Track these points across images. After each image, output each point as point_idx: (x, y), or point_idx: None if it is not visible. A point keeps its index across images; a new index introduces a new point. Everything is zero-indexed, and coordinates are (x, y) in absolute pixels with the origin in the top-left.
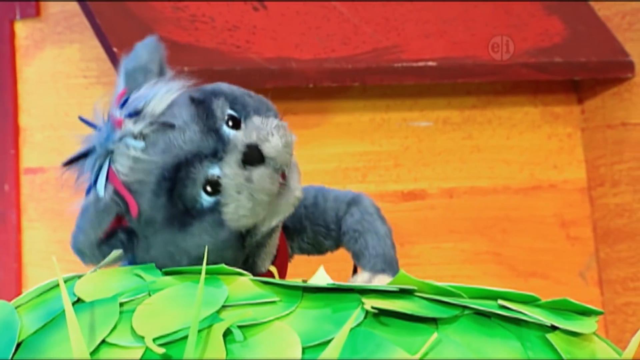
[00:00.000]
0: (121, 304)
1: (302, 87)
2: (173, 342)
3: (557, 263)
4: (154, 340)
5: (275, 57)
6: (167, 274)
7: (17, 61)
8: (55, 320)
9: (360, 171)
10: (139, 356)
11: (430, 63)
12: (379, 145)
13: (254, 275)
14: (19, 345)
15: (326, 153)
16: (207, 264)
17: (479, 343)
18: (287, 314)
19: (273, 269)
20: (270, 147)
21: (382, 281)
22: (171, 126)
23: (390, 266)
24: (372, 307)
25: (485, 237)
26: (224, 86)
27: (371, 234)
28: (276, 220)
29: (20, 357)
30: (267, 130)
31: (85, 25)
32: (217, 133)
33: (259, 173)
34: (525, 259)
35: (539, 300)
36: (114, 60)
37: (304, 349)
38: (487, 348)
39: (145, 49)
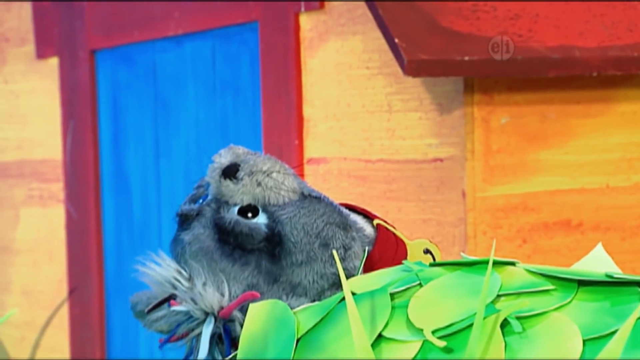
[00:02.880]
0: (393, 295)
1: (586, 76)
2: (452, 335)
3: None
4: (433, 332)
5: (558, 46)
6: (433, 265)
7: (301, 53)
8: (330, 315)
9: None
10: (417, 349)
11: None
12: None
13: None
14: (297, 342)
15: (610, 143)
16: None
17: None
18: (564, 305)
19: (380, 221)
20: (222, 157)
21: None
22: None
23: None
24: None
25: None
26: None
27: None
28: None
29: (301, 353)
30: (215, 161)
31: (367, 17)
32: (198, 212)
33: (246, 166)
34: None
35: None
36: (396, 51)
37: (584, 342)
38: None
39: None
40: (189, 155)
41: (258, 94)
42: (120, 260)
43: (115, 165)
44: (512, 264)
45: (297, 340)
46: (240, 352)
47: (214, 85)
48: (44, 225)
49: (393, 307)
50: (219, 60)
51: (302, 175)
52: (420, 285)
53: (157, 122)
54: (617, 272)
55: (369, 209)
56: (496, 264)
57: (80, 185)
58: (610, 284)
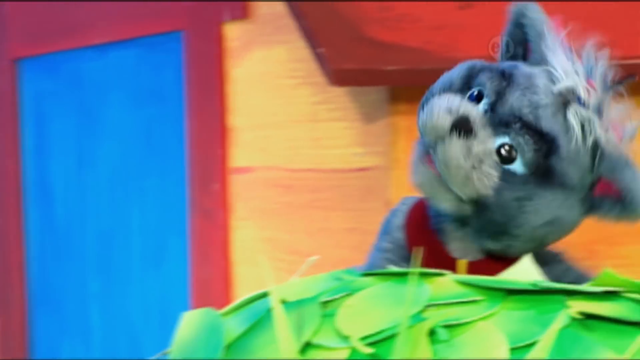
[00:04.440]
0: (323, 304)
1: None
2: (379, 342)
3: None
4: (360, 340)
5: (483, 56)
6: (364, 275)
7: (226, 62)
8: (260, 322)
9: None
10: (345, 356)
11: None
12: None
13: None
14: (226, 348)
15: None
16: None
17: None
18: (491, 314)
19: None
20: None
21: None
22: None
23: None
24: (578, 312)
25: None
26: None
27: None
28: None
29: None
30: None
31: (292, 26)
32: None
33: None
34: None
35: None
36: (321, 60)
37: (510, 350)
38: None
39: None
40: (113, 164)
41: (183, 103)
42: (43, 271)
43: (39, 175)
44: (442, 274)
45: (227, 347)
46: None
47: (139, 95)
48: None
49: (323, 315)
50: (144, 69)
51: (225, 184)
52: (351, 294)
53: (81, 131)
54: (544, 281)
55: (294, 218)
56: (426, 274)
57: (2, 195)
58: (537, 292)
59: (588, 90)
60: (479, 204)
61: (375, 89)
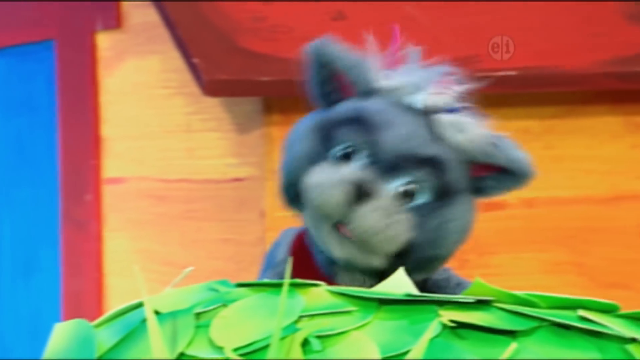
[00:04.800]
0: (198, 315)
1: None
2: (252, 352)
3: (639, 274)
4: (233, 350)
5: None
6: (239, 286)
7: (98, 72)
8: (133, 333)
9: None
10: None
11: (511, 72)
12: None
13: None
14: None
15: None
16: None
17: (558, 355)
18: (364, 324)
19: None
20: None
21: None
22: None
23: None
24: (450, 320)
25: (566, 248)
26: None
27: None
28: None
29: None
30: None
31: (166, 37)
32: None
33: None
34: (607, 270)
35: (619, 308)
36: (195, 71)
37: (383, 359)
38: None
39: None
40: None
41: (54, 114)
42: None
43: None
44: (316, 285)
45: (99, 359)
46: None
47: (9, 105)
48: None
49: (197, 327)
50: (14, 78)
51: (98, 195)
52: (225, 305)
53: None
54: (416, 292)
55: (168, 229)
56: (300, 285)
57: None
58: (409, 303)
59: (438, 92)
60: (407, 247)
61: (249, 99)
